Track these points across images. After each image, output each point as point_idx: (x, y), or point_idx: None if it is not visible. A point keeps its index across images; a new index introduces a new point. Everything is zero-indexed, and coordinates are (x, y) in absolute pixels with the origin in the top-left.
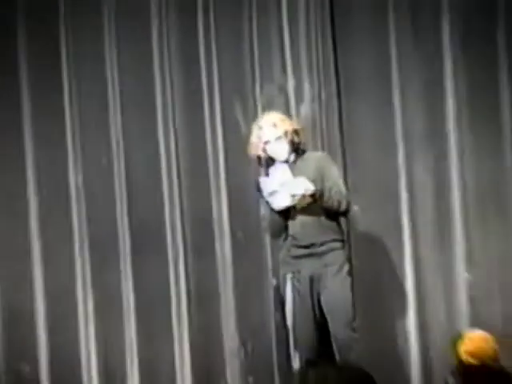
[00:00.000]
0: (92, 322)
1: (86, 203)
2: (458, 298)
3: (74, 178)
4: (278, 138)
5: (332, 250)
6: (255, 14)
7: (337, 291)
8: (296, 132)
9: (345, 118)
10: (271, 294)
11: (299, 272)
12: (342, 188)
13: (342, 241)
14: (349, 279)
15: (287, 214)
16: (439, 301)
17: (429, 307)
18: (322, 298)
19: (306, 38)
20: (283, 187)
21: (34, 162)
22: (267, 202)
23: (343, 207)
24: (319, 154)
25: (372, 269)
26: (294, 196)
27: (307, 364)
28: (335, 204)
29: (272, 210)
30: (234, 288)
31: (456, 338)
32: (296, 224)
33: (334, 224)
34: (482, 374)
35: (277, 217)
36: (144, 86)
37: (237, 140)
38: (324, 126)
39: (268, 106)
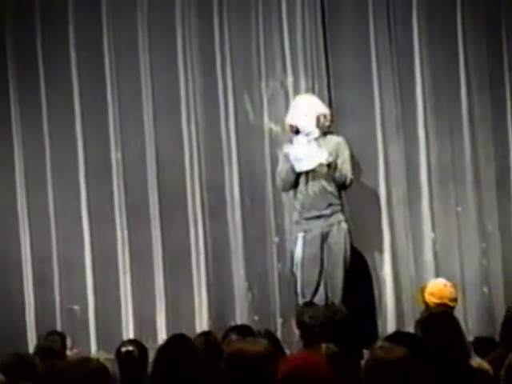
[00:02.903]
0: (128, 272)
1: (124, 174)
2: (425, 253)
3: (115, 154)
4: (306, 115)
5: (335, 212)
6: (261, 24)
7: (338, 247)
8: (324, 116)
9: (334, 106)
10: (274, 249)
11: (310, 231)
12: (349, 168)
13: (342, 205)
14: (348, 236)
15: (300, 176)
16: (409, 255)
17: (401, 260)
18: (327, 253)
19: (302, 42)
20: (307, 154)
21: (82, 141)
22: (289, 162)
23: (347, 182)
24: (340, 138)
25: (355, 230)
26: (314, 162)
27: (305, 305)
28: (342, 178)
29: (291, 169)
30: (243, 245)
31: (423, 287)
32: (306, 191)
33: (336, 192)
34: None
35: (291, 175)
36: (171, 79)
37: (245, 124)
38: None
39: (272, 98)
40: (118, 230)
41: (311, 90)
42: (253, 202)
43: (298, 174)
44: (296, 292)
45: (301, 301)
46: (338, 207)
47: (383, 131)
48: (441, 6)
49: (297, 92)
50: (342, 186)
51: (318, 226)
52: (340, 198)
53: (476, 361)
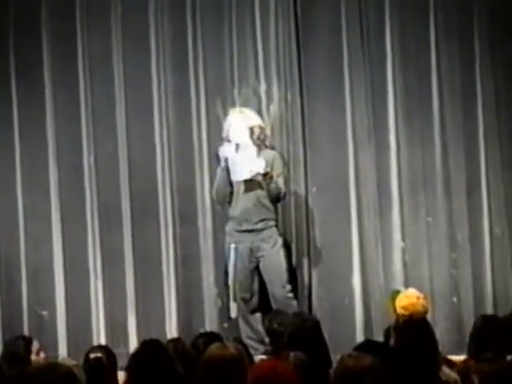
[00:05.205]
0: (100, 276)
1: (96, 179)
2: (394, 262)
3: (87, 159)
4: (238, 127)
5: (268, 227)
6: (235, 31)
7: (273, 260)
8: (259, 127)
9: (306, 115)
10: None
11: (241, 243)
12: (283, 182)
13: (276, 220)
14: (282, 250)
15: (235, 187)
16: (379, 264)
17: (370, 269)
18: (261, 266)
19: (275, 50)
20: (244, 163)
21: (54, 146)
22: (225, 174)
23: (281, 195)
24: (274, 152)
25: (325, 239)
26: (252, 171)
27: (275, 312)
28: (277, 190)
29: (226, 180)
30: (213, 251)
31: (394, 295)
32: (240, 202)
33: (270, 205)
34: (413, 324)
35: (226, 187)
36: (144, 85)
37: (217, 131)
38: (289, 121)
39: (244, 105)
40: (89, 234)
41: (284, 97)
42: (223, 208)
43: (233, 186)
44: (228, 305)
45: (232, 314)
46: (272, 222)
47: (354, 140)
48: (414, 16)
49: (269, 99)
50: (275, 198)
51: (248, 240)
52: (274, 210)
53: (444, 372)
